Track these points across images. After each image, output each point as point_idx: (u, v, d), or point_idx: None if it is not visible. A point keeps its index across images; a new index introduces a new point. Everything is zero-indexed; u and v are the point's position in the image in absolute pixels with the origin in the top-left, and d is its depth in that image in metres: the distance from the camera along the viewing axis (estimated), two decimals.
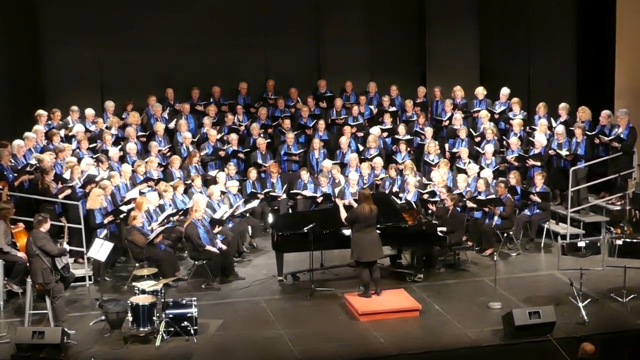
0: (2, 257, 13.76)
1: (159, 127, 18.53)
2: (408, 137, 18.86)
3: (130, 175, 16.68)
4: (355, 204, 14.67)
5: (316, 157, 18.58)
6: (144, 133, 18.67)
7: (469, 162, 17.43)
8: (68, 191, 15.39)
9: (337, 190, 17.16)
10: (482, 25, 21.45)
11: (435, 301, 13.83)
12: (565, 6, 20.43)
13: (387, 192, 16.94)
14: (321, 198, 17.05)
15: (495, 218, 16.13)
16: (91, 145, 17.76)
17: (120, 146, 17.85)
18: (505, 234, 16.34)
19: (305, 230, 14.29)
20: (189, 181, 16.91)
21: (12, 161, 15.90)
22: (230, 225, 16.06)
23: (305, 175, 17.59)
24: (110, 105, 19.25)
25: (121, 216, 15.26)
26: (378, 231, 13.86)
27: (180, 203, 16.15)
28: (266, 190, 17.37)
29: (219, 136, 18.69)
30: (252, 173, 17.45)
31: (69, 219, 14.80)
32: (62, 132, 17.93)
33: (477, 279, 14.95)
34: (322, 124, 19.30)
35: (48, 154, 16.22)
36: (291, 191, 17.60)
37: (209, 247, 14.69)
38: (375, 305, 13.48)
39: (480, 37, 21.44)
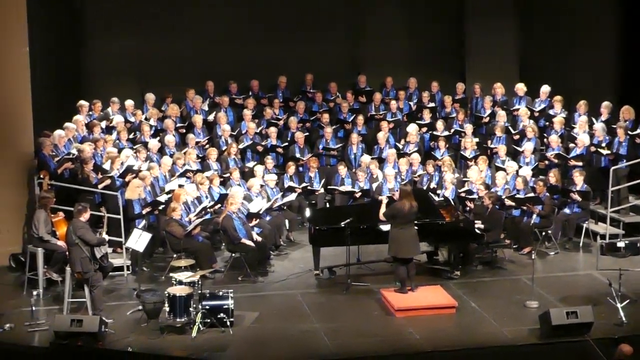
0: (42, 245, 13.92)
1: (197, 119, 18.61)
2: (447, 133, 18.78)
3: (170, 167, 16.75)
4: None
5: (354, 152, 18.52)
6: (182, 125, 18.78)
7: (508, 160, 17.36)
8: (108, 181, 15.55)
9: (374, 185, 17.11)
10: (522, 20, 21.32)
11: (472, 298, 13.78)
12: (608, 2, 20.22)
13: (424, 188, 16.90)
14: (359, 193, 17.03)
15: (534, 216, 16.05)
16: (131, 137, 17.91)
17: (158, 138, 17.95)
18: (543, 233, 16.24)
19: (342, 225, 14.32)
20: (227, 174, 16.97)
21: (54, 151, 16.05)
22: (267, 218, 16.10)
23: (342, 170, 17.56)
24: (150, 97, 19.36)
25: (160, 207, 15.36)
26: (415, 227, 13.82)
27: (217, 195, 16.13)
28: (304, 184, 17.39)
29: (258, 130, 18.74)
30: (291, 167, 17.49)
31: (108, 209, 14.91)
32: (104, 124, 18.07)
33: (514, 277, 14.86)
34: (360, 119, 19.28)
35: (87, 144, 16.37)
36: (328, 187, 17.59)
37: (244, 240, 14.73)
38: (411, 301, 13.47)
39: (521, 33, 21.32)
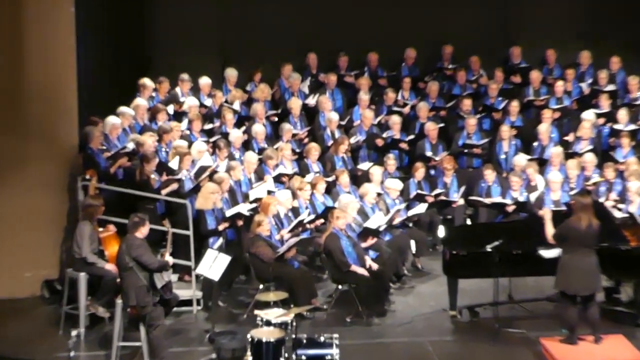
0: (86, 269, 13.94)
1: (295, 103, 18.74)
2: (632, 127, 18.43)
3: (256, 167, 16.74)
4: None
5: (505, 151, 18.50)
6: (275, 111, 18.82)
7: None
8: (174, 185, 15.69)
9: (533, 196, 16.89)
10: None
11: None
12: None
13: (602, 201, 16.42)
14: (513, 206, 16.73)
15: None
16: (206, 127, 18.02)
17: (244, 128, 18.00)
18: None
19: (489, 249, 14.00)
20: (333, 177, 16.87)
21: (105, 144, 16.13)
22: (387, 238, 15.97)
23: (490, 174, 17.46)
24: (232, 74, 19.52)
25: (241, 222, 15.26)
26: None
27: (320, 205, 16.20)
28: (436, 192, 17.25)
29: (376, 120, 18.64)
30: (419, 170, 17.33)
31: (174, 223, 14.74)
32: (171, 109, 18.20)
33: None
34: (514, 105, 19.22)
35: (149, 135, 16.46)
36: (470, 197, 17.47)
37: (355, 268, 14.59)
38: (582, 355, 13.14)
39: None
